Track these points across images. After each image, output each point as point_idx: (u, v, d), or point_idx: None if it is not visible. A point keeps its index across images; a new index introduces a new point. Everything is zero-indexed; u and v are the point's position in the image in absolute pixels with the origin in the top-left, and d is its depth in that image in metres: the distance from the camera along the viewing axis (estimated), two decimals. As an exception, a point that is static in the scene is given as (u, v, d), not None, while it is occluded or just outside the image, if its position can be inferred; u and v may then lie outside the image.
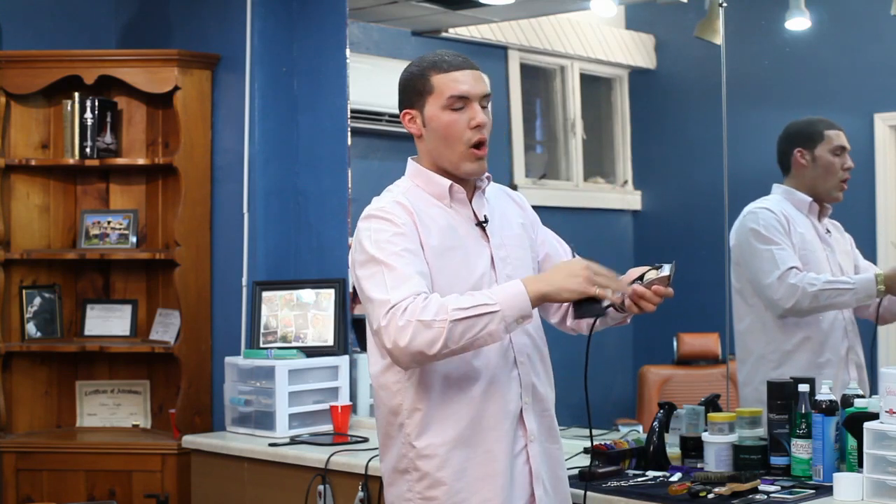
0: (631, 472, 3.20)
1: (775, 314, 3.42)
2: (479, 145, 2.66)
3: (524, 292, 2.48)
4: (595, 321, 2.63)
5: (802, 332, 3.43)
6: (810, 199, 3.50)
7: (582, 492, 2.98)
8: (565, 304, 2.80)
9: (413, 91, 2.69)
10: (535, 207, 2.92)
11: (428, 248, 2.62)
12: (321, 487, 3.65)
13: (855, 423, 2.88)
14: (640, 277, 2.57)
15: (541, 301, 2.51)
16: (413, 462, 2.66)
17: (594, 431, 3.74)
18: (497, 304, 2.47)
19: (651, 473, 3.16)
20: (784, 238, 3.43)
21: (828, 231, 3.54)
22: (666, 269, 2.54)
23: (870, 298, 3.37)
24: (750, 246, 3.46)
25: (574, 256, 2.73)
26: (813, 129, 3.50)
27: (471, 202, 2.73)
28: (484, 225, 2.72)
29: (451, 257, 2.65)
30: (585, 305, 2.54)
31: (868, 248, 3.69)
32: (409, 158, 2.78)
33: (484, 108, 2.67)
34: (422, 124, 2.69)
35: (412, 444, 2.65)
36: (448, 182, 2.70)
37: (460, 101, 2.64)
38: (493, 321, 2.47)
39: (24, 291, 4.67)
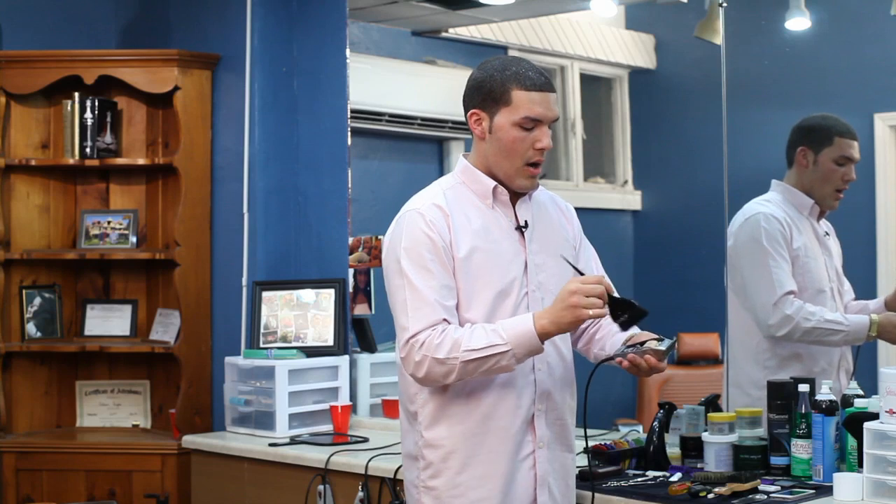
0: (631, 472, 3.20)
1: (763, 334, 3.41)
2: (536, 164, 2.69)
3: (533, 331, 2.57)
4: (605, 360, 2.72)
5: (795, 343, 3.43)
6: (812, 201, 3.46)
7: (585, 492, 2.98)
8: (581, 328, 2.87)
9: (488, 95, 2.69)
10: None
11: (457, 253, 2.66)
12: (321, 487, 3.65)
13: (855, 423, 2.88)
14: (642, 343, 2.62)
15: (547, 337, 2.60)
16: (421, 450, 2.72)
17: (594, 431, 3.77)
18: (507, 344, 2.57)
19: (651, 473, 3.16)
20: (784, 252, 3.38)
21: (826, 233, 3.51)
22: (664, 345, 2.61)
23: (859, 341, 3.36)
24: (749, 256, 3.42)
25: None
26: (823, 132, 3.44)
27: (515, 205, 2.75)
28: (523, 229, 2.73)
29: (479, 260, 2.67)
30: (622, 317, 2.60)
31: (868, 248, 3.70)
32: (461, 155, 2.82)
33: (549, 129, 2.70)
34: (487, 129, 2.70)
35: (422, 433, 2.72)
36: (493, 183, 2.72)
37: (532, 123, 2.66)
38: (503, 359, 2.58)
39: (24, 291, 4.67)
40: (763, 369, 3.42)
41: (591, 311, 2.54)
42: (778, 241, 3.39)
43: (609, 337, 2.79)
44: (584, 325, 2.85)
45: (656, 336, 2.64)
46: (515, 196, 2.76)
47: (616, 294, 2.62)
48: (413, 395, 2.74)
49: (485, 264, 2.68)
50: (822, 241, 3.48)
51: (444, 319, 2.62)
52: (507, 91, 2.66)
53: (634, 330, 2.70)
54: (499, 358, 2.57)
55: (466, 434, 2.67)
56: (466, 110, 2.74)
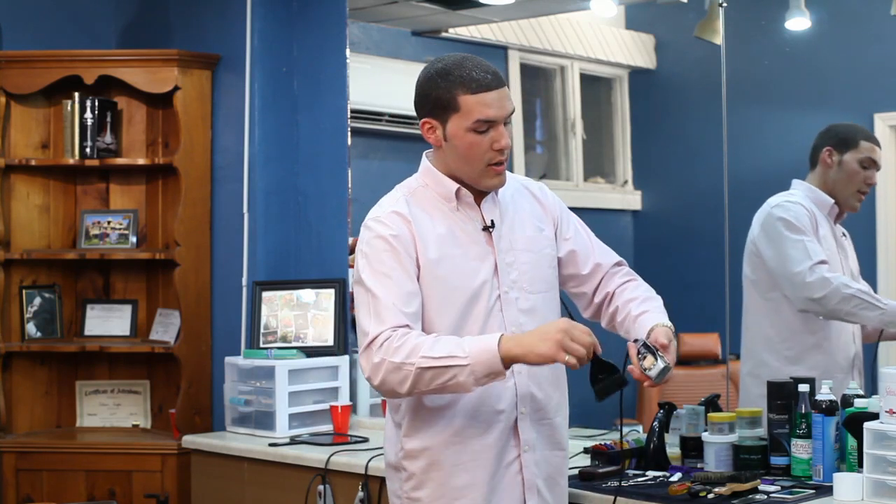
0: (631, 472, 3.20)
1: (797, 305, 3.39)
2: (499, 163, 2.63)
3: (495, 351, 2.45)
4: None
5: (818, 333, 3.43)
6: (832, 201, 3.50)
7: (582, 491, 2.98)
8: (593, 300, 2.81)
9: (436, 103, 2.61)
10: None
11: (424, 260, 2.61)
12: (321, 487, 3.65)
13: (855, 423, 2.88)
14: (647, 350, 2.54)
15: (512, 362, 2.47)
16: (401, 461, 2.69)
17: (594, 431, 3.77)
18: (468, 358, 2.46)
19: (651, 473, 3.16)
20: (812, 234, 3.41)
21: (843, 234, 3.55)
22: (654, 372, 2.51)
23: (892, 326, 3.35)
24: (779, 235, 3.43)
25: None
26: (850, 135, 3.50)
27: (480, 204, 2.70)
28: (490, 230, 2.68)
29: (447, 266, 2.62)
30: (602, 381, 2.50)
31: (868, 248, 3.70)
32: (424, 154, 2.75)
33: (507, 124, 2.63)
34: (442, 137, 2.63)
35: (403, 444, 2.68)
36: (455, 186, 2.67)
37: (486, 125, 2.58)
38: (461, 374, 2.46)
39: (24, 291, 4.67)
40: (783, 359, 3.43)
41: (569, 358, 2.43)
42: (806, 224, 3.42)
43: (630, 323, 2.72)
44: (597, 300, 2.80)
45: (657, 353, 2.54)
46: (480, 195, 2.70)
47: (601, 355, 2.50)
48: (397, 405, 2.69)
49: (452, 270, 2.62)
50: (839, 241, 3.52)
51: (407, 325, 2.54)
52: (454, 97, 2.57)
53: (658, 319, 2.65)
54: (457, 371, 2.45)
55: (446, 443, 2.63)
56: (419, 118, 2.67)
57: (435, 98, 2.61)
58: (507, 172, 2.77)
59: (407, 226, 2.62)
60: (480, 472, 2.63)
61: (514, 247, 2.70)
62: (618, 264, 2.85)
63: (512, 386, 2.64)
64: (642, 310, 2.72)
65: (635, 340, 2.57)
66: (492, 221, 2.69)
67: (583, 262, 2.81)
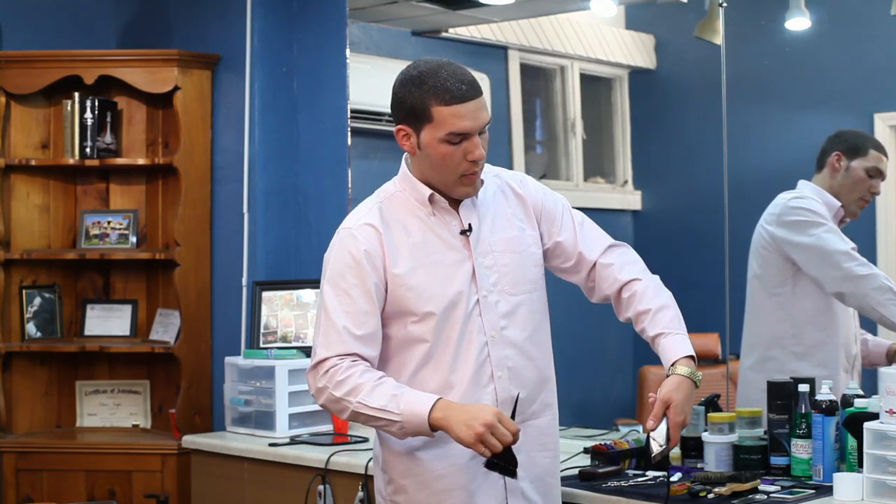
0: (631, 472, 3.20)
1: (831, 287, 3.40)
2: (472, 174, 2.61)
3: (425, 418, 2.50)
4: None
5: (827, 329, 3.45)
6: (839, 204, 3.52)
7: (585, 492, 2.98)
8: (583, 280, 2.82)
9: (410, 112, 2.58)
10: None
11: (394, 273, 2.60)
12: (321, 487, 3.65)
13: (855, 423, 2.88)
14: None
15: (438, 429, 2.52)
16: (384, 463, 2.71)
17: (594, 431, 3.77)
18: (400, 416, 2.52)
19: (651, 473, 3.16)
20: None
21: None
22: (658, 450, 2.65)
23: None
24: (809, 221, 3.45)
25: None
26: (860, 142, 3.52)
27: (458, 208, 2.68)
28: (468, 234, 2.66)
29: (421, 276, 2.61)
30: (497, 465, 2.52)
31: (868, 248, 3.69)
32: (403, 157, 2.72)
33: (482, 134, 2.59)
34: (416, 145, 2.61)
35: (385, 447, 2.70)
36: (429, 192, 2.65)
37: (459, 137, 2.56)
38: (392, 426, 2.55)
39: (24, 291, 4.67)
40: (791, 354, 3.44)
41: (484, 451, 2.46)
42: (827, 217, 3.45)
43: (649, 342, 2.74)
44: (600, 293, 2.79)
45: (661, 432, 2.66)
46: (457, 199, 2.68)
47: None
48: None
49: (426, 280, 2.61)
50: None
51: (355, 353, 2.58)
52: (428, 108, 2.54)
53: (676, 351, 2.69)
54: (387, 423, 2.54)
55: (425, 448, 2.63)
56: (394, 124, 2.64)
57: (409, 106, 2.58)
58: (489, 167, 2.74)
59: (378, 238, 2.61)
60: (459, 477, 2.63)
61: (493, 249, 2.68)
62: (610, 248, 2.81)
63: (492, 391, 2.64)
64: (658, 331, 2.71)
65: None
66: (469, 225, 2.66)
67: (570, 252, 2.80)
